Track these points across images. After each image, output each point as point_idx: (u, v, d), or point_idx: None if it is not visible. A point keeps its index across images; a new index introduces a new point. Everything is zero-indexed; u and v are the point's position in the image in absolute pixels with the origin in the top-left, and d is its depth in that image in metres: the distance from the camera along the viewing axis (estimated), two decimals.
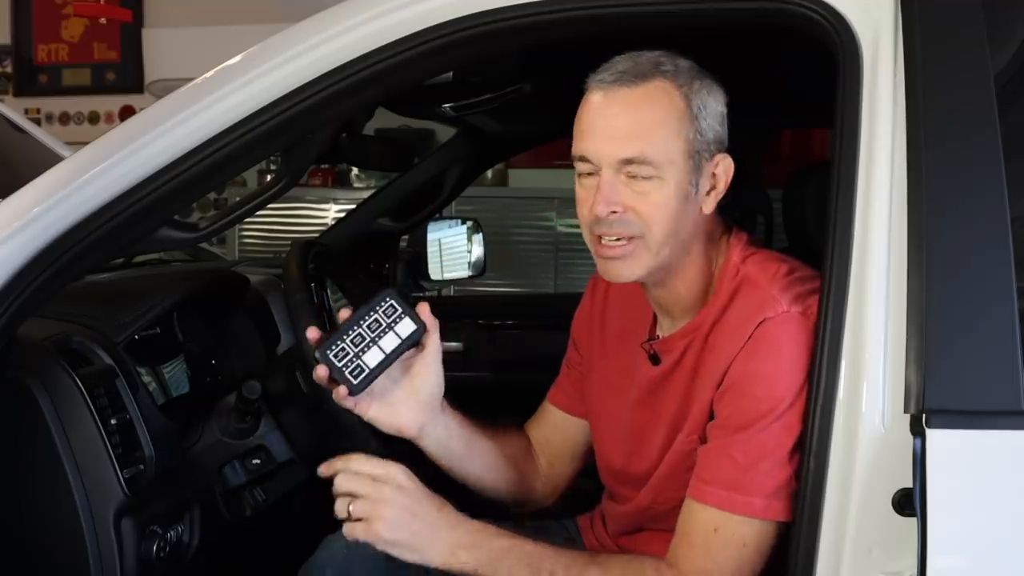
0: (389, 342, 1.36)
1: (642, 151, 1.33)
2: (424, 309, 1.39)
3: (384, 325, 1.36)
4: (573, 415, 1.68)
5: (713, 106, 1.38)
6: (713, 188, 1.40)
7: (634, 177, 1.34)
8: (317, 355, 1.34)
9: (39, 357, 1.46)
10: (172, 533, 1.56)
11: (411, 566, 1.65)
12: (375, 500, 1.33)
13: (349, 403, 1.37)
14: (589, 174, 1.37)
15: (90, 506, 1.44)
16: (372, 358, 1.35)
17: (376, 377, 1.35)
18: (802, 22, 1.28)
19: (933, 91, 1.21)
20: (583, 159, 1.37)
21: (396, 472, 1.34)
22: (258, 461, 1.71)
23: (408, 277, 2.77)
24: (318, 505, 2.05)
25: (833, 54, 1.27)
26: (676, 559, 1.36)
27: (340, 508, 1.35)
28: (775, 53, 1.77)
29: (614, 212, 1.35)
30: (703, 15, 1.38)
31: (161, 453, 1.54)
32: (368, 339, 1.35)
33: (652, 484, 1.49)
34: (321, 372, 1.35)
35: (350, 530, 1.34)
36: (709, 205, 1.40)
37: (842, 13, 1.25)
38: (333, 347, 1.34)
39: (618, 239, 1.36)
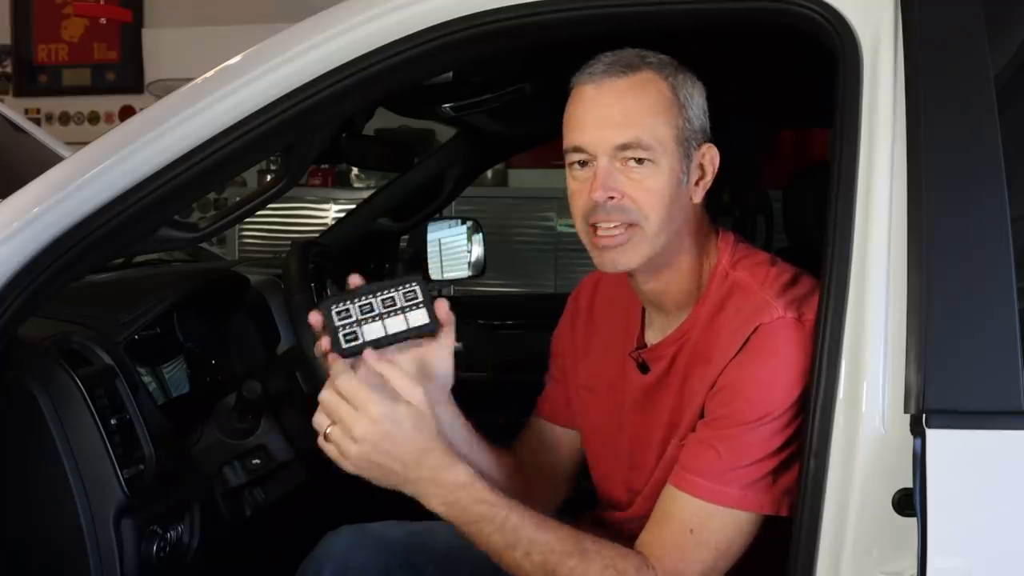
0: (395, 324, 1.30)
1: (637, 136, 1.35)
2: (442, 306, 1.34)
3: (398, 306, 1.31)
4: (564, 427, 1.67)
5: (696, 97, 1.41)
6: (701, 178, 1.41)
7: (629, 163, 1.35)
8: (320, 306, 1.30)
9: (39, 357, 1.45)
10: (172, 533, 1.56)
11: (411, 563, 1.64)
12: (349, 429, 1.24)
13: (329, 359, 1.30)
14: (582, 165, 1.38)
15: (90, 506, 1.44)
16: (372, 331, 1.29)
17: (363, 351, 1.29)
18: (802, 22, 1.28)
19: (933, 91, 1.21)
20: (577, 149, 1.38)
21: (375, 404, 1.24)
22: (258, 461, 1.71)
23: None
24: (318, 505, 2.05)
25: (833, 54, 1.27)
26: (651, 554, 1.35)
27: (319, 422, 1.27)
28: (775, 52, 1.76)
29: (611, 198, 1.35)
30: (703, 15, 1.38)
31: (161, 453, 1.53)
32: (376, 312, 1.30)
33: (648, 493, 1.48)
34: (314, 319, 1.31)
35: (323, 445, 1.27)
36: (698, 195, 1.42)
37: (842, 13, 1.25)
38: (338, 304, 1.30)
39: (615, 226, 1.37)
